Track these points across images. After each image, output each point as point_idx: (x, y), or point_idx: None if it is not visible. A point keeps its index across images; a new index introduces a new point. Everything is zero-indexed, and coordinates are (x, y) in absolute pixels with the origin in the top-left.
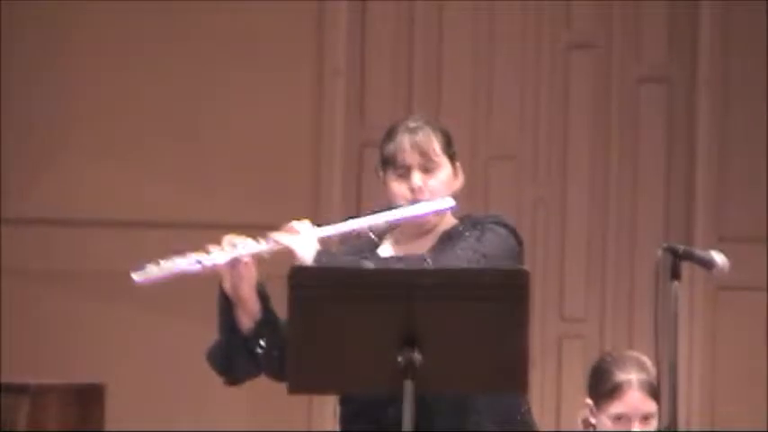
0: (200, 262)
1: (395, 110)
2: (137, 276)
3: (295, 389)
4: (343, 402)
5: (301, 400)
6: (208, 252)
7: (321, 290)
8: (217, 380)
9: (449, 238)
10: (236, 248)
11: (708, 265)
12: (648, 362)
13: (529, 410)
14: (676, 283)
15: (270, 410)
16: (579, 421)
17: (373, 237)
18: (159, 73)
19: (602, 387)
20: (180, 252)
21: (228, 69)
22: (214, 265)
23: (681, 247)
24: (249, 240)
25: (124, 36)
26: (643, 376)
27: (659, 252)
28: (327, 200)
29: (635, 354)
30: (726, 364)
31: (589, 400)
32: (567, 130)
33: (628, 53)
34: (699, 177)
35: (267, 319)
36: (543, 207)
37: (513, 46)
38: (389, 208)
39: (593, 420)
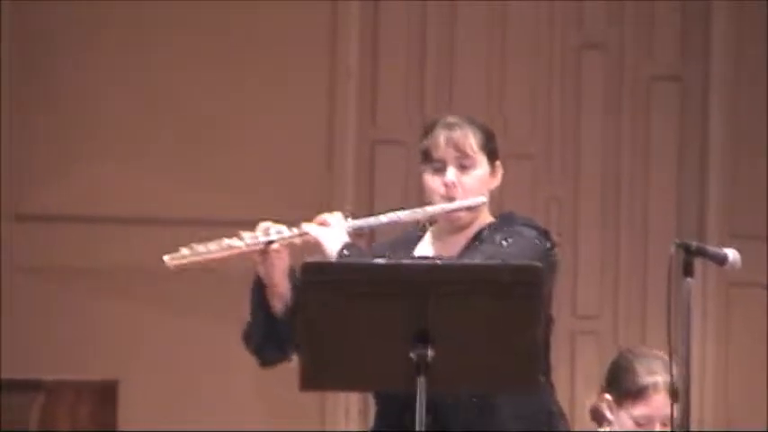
0: (231, 246)
1: (407, 110)
2: (169, 260)
3: (307, 386)
4: (376, 399)
5: (315, 399)
6: (240, 237)
7: (333, 285)
8: (230, 378)
9: (480, 237)
10: (269, 235)
11: (720, 261)
12: (668, 360)
13: (555, 413)
14: (689, 279)
15: (284, 409)
16: (587, 410)
17: (416, 231)
18: (174, 73)
19: (626, 386)
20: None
21: (242, 70)
22: (245, 250)
23: (693, 244)
24: (282, 228)
25: (140, 37)
26: (668, 378)
27: (672, 248)
28: (340, 198)
29: (659, 354)
30: (738, 360)
31: (608, 396)
32: (580, 129)
33: (640, 52)
34: (711, 175)
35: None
36: (556, 205)
37: (526, 45)
38: (425, 203)
39: (609, 416)
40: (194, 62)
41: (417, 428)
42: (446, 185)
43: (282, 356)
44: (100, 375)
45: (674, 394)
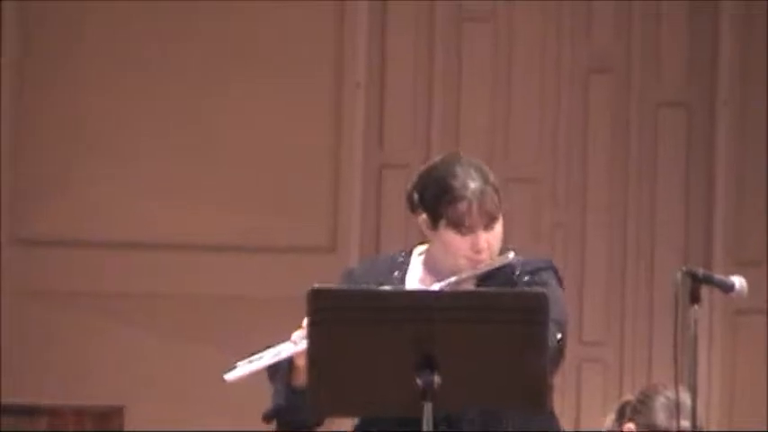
0: (289, 353)
1: (414, 134)
2: (228, 376)
3: (316, 413)
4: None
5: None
6: (293, 341)
7: (339, 312)
8: (235, 403)
9: (494, 277)
10: None
11: (727, 288)
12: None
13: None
14: (696, 306)
15: None
16: (605, 430)
17: (397, 256)
18: (174, 90)
19: (650, 424)
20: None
21: (247, 93)
22: (302, 352)
23: (700, 271)
24: None
25: (139, 54)
26: (687, 424)
27: (678, 275)
28: (346, 222)
29: (688, 400)
30: (744, 388)
31: (632, 426)
32: (586, 154)
33: (647, 77)
34: (718, 201)
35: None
36: (562, 231)
37: (533, 69)
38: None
39: None
40: (197, 79)
41: None
42: (479, 252)
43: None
44: (101, 400)
45: None
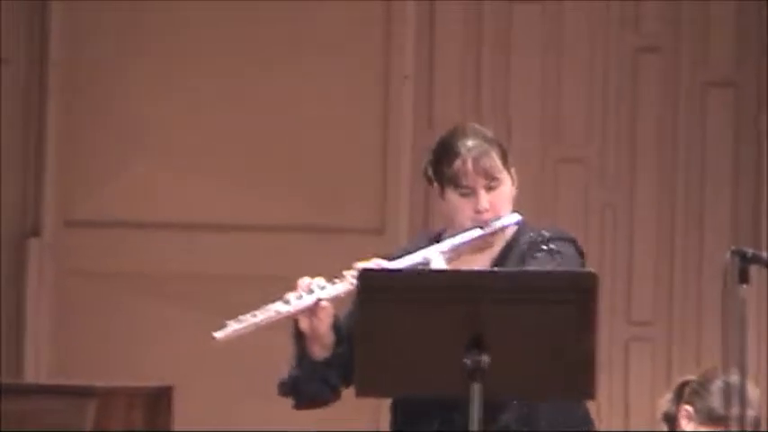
0: (279, 312)
1: (464, 114)
2: (221, 336)
3: (363, 392)
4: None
5: (369, 400)
6: (285, 300)
7: (389, 292)
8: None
9: (510, 252)
10: (314, 293)
11: None
12: (756, 395)
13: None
14: (744, 286)
15: (337, 409)
16: (660, 413)
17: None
18: (224, 77)
19: (708, 409)
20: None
21: (295, 74)
22: (293, 313)
23: (749, 251)
24: (323, 282)
25: (189, 41)
26: (746, 411)
27: (727, 255)
28: (395, 203)
29: (752, 391)
30: None
31: (689, 408)
32: (635, 134)
33: (695, 57)
34: (766, 180)
35: (342, 352)
36: (611, 211)
37: (581, 49)
38: (455, 232)
39: (685, 426)
40: (246, 67)
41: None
42: (480, 212)
43: (322, 400)
44: (153, 380)
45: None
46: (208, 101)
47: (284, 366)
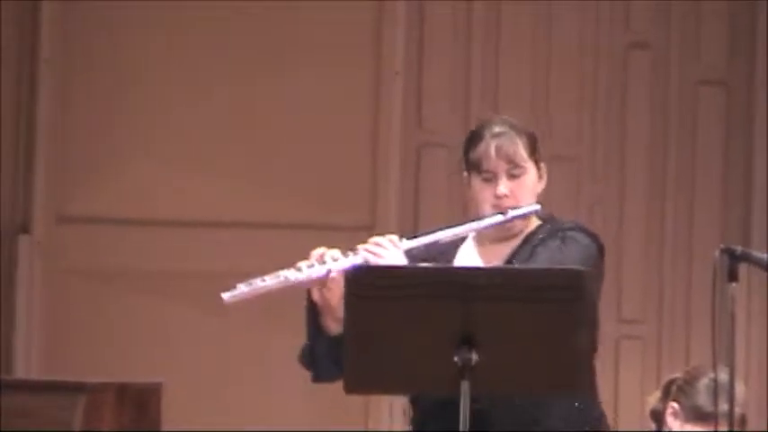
0: (289, 279)
1: (453, 112)
2: (228, 298)
3: (351, 388)
4: (414, 403)
5: (358, 399)
6: (297, 268)
7: (378, 289)
8: (274, 379)
9: (529, 242)
10: (326, 264)
11: (765, 266)
12: (742, 393)
13: (601, 415)
14: (734, 284)
15: (327, 409)
16: (648, 411)
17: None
18: (219, 74)
19: (694, 406)
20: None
21: (286, 74)
22: (304, 281)
23: (738, 249)
24: (337, 253)
25: (181, 40)
26: (738, 410)
27: (717, 253)
28: (384, 200)
29: (738, 389)
30: None
31: (676, 405)
32: (625, 132)
33: (686, 54)
34: (756, 179)
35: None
36: (601, 208)
37: (571, 47)
38: (474, 218)
39: (671, 422)
40: (240, 65)
41: (461, 429)
42: (498, 197)
43: (337, 374)
44: (143, 377)
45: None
46: (200, 98)
47: (280, 368)
